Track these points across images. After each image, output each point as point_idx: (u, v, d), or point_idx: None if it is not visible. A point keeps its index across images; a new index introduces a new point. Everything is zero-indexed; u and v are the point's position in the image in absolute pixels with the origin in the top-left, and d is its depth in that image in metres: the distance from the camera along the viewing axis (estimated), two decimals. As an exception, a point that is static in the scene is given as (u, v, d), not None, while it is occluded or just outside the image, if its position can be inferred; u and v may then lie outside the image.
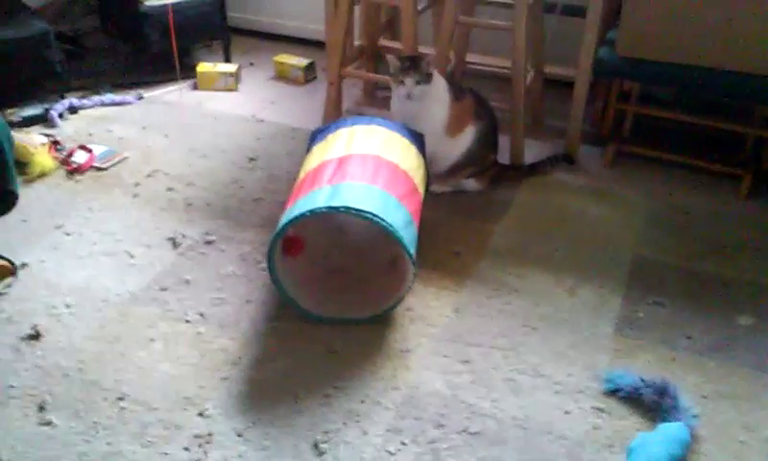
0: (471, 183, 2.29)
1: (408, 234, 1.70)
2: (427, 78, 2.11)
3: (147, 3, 2.90)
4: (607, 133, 2.56)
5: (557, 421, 1.53)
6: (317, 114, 2.78)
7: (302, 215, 1.64)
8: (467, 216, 2.21)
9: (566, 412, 1.56)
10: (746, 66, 2.16)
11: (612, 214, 2.23)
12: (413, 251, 1.69)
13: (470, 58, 2.90)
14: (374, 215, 1.62)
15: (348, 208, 1.63)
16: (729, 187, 2.36)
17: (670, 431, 1.43)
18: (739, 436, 1.50)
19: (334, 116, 2.68)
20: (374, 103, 2.94)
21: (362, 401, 1.57)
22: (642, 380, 1.58)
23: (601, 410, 1.56)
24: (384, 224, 1.63)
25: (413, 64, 2.11)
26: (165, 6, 2.86)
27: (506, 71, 2.47)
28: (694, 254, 2.05)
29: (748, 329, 1.78)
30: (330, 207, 1.63)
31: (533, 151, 2.52)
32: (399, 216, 1.70)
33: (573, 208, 2.26)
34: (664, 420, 1.49)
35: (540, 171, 2.42)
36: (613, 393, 1.59)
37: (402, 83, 2.11)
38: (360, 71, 2.89)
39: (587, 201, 2.30)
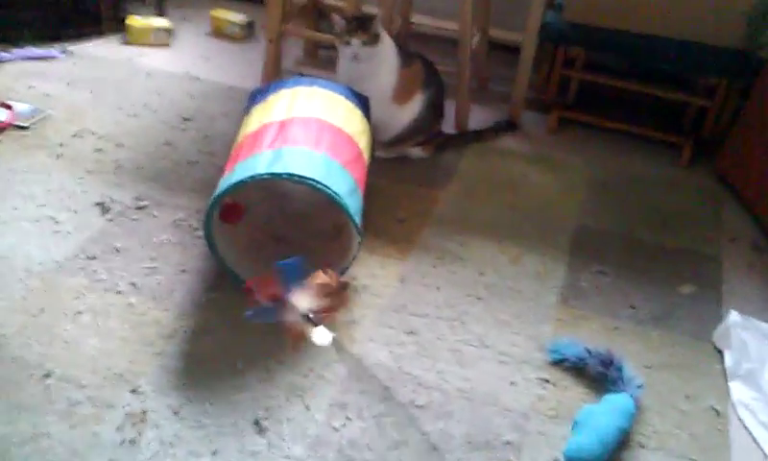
0: (417, 151, 2.24)
1: (353, 202, 1.64)
2: (375, 39, 2.03)
3: (71, -51, 2.70)
4: (551, 100, 2.54)
5: (502, 392, 1.52)
6: (255, 73, 2.67)
7: (242, 182, 1.56)
8: (411, 183, 2.17)
9: (512, 383, 1.54)
10: (689, 35, 2.17)
11: (555, 181, 2.23)
12: (358, 219, 1.63)
13: (415, 19, 2.82)
14: (318, 182, 1.56)
15: (290, 175, 1.55)
16: (670, 156, 2.38)
17: (616, 402, 1.43)
18: (682, 405, 1.52)
19: (273, 76, 2.58)
20: (316, 63, 2.84)
21: (305, 375, 1.52)
22: (588, 351, 1.57)
23: (546, 381, 1.55)
24: (328, 191, 1.56)
25: (360, 24, 2.03)
26: (92, -48, 2.67)
27: (451, 33, 2.42)
28: (636, 222, 2.07)
29: (689, 298, 1.80)
30: (272, 173, 1.55)
31: (477, 116, 2.49)
32: (344, 183, 1.64)
33: (517, 175, 2.24)
34: (609, 391, 1.49)
35: (484, 138, 2.38)
36: (558, 363, 1.59)
37: (348, 43, 2.03)
38: (301, 29, 2.78)
39: (530, 168, 2.29)
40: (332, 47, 2.13)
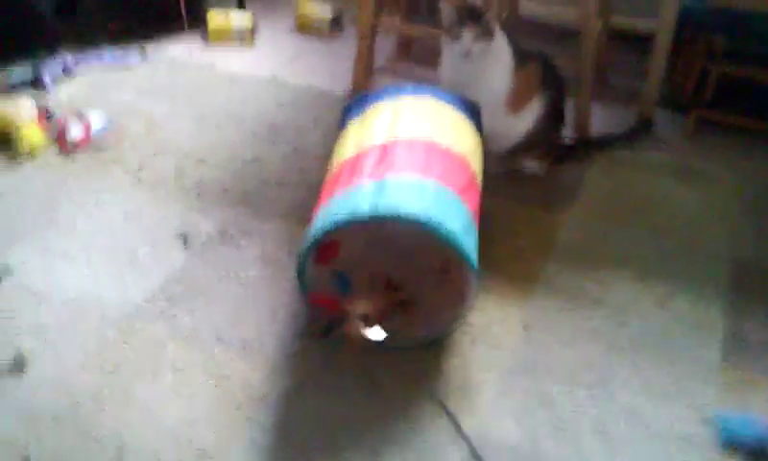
0: (532, 165, 1.93)
1: (469, 240, 1.37)
2: (489, 33, 1.74)
3: (148, -57, 2.52)
4: (688, 97, 2.18)
5: (664, 486, 1.23)
6: (345, 73, 2.41)
7: (341, 222, 1.31)
8: (527, 203, 1.87)
9: (673, 471, 1.25)
10: None
11: (701, 199, 1.88)
12: (474, 260, 1.36)
13: (524, 7, 2.49)
14: (429, 220, 1.29)
15: (395, 215, 1.30)
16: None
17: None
18: None
19: (365, 76, 2.32)
20: (411, 59, 2.56)
21: (418, 459, 1.27)
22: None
23: (718, 469, 1.25)
24: (443, 232, 1.29)
25: (472, 15, 1.73)
26: (169, -54, 2.48)
27: (567, 22, 2.09)
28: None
29: None
30: (375, 215, 1.30)
31: (599, 118, 2.15)
32: (459, 218, 1.37)
33: (654, 192, 1.91)
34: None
35: (611, 145, 2.05)
36: (731, 445, 1.28)
37: (459, 37, 1.73)
38: (397, 22, 2.50)
39: (670, 182, 1.94)
40: (426, 41, 1.83)
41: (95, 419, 1.32)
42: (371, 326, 1.38)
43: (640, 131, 2.09)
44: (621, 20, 2.38)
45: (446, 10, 1.77)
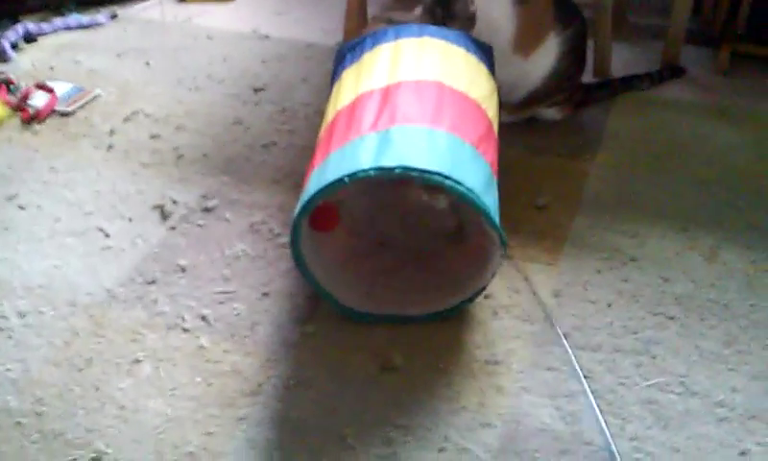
0: (551, 112, 1.73)
1: (490, 198, 1.18)
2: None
3: None
4: (718, 30, 1.97)
5: (733, 469, 1.04)
6: (336, 25, 2.21)
7: (339, 181, 1.11)
8: (548, 153, 1.68)
9: (742, 453, 1.06)
10: None
11: (740, 139, 1.69)
12: (497, 219, 1.16)
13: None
14: (446, 177, 1.09)
15: (405, 169, 1.10)
16: None
17: None
18: None
19: (358, 26, 2.12)
20: (409, 5, 2.34)
21: (441, 449, 1.08)
22: None
23: (795, 448, 1.06)
24: (458, 188, 1.10)
25: None
26: None
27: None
28: None
29: None
30: (380, 168, 1.10)
31: (620, 57, 1.95)
32: (478, 172, 1.17)
33: (690, 133, 1.71)
34: None
35: (636, 86, 1.85)
36: (805, 417, 1.10)
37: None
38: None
39: (703, 121, 1.75)
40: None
41: (64, 423, 1.14)
42: None
43: (671, 73, 1.88)
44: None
45: None
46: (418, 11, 1.62)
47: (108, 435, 1.12)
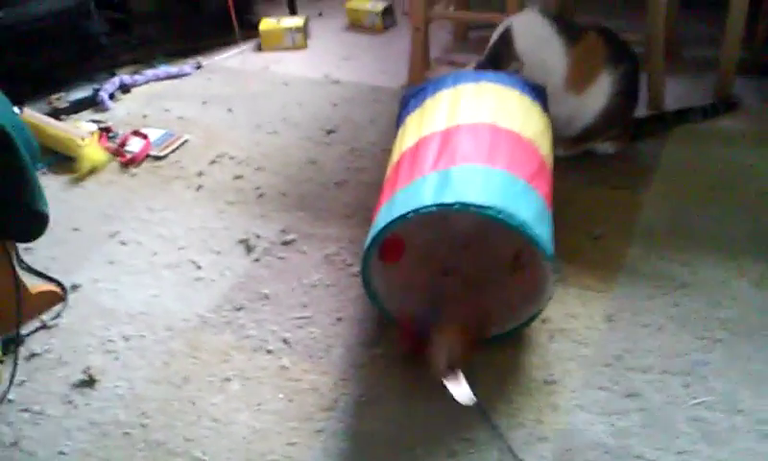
0: (605, 146, 1.82)
1: (543, 229, 1.28)
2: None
3: (197, -46, 2.52)
4: (770, 60, 2.03)
5: (776, 482, 1.11)
6: (401, 68, 2.35)
7: (404, 217, 1.24)
8: (603, 185, 1.76)
9: (787, 467, 1.13)
10: None
11: (791, 168, 1.74)
12: (550, 251, 1.27)
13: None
14: (499, 212, 1.21)
15: (463, 205, 1.22)
16: None
17: None
18: None
19: (422, 69, 2.26)
20: (468, 48, 2.48)
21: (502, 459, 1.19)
22: None
23: (837, 463, 1.12)
24: (512, 223, 1.21)
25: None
26: (218, -44, 2.48)
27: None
28: None
29: None
30: (441, 205, 1.23)
31: (673, 90, 2.02)
32: (531, 206, 1.28)
33: (741, 165, 1.77)
34: None
35: (689, 119, 1.92)
36: None
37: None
38: (448, 10, 2.43)
39: (757, 153, 1.80)
40: (484, 27, 1.76)
41: (166, 433, 1.30)
42: (453, 373, 1.28)
43: (725, 108, 1.95)
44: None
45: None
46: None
47: (205, 444, 1.27)
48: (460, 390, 1.23)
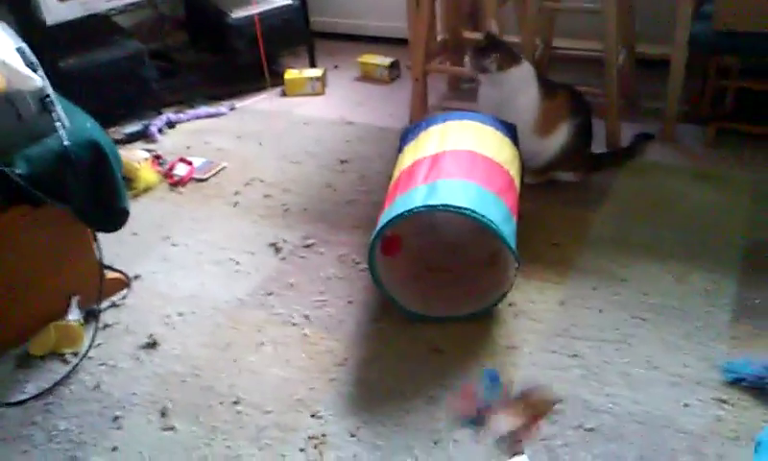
0: (567, 175, 2.23)
1: (508, 229, 1.68)
2: (507, 62, 2.09)
3: (233, 15, 2.98)
4: (706, 112, 2.45)
5: (676, 414, 1.48)
6: (404, 112, 2.79)
7: (401, 215, 1.65)
8: (564, 205, 2.17)
9: (686, 405, 1.50)
10: None
11: (718, 196, 2.13)
12: (514, 245, 1.67)
13: (557, 42, 2.82)
14: (473, 211, 1.61)
15: (446, 206, 1.62)
16: None
17: (802, 423, 1.35)
18: None
19: (421, 113, 2.68)
20: (460, 96, 2.92)
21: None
22: (766, 368, 1.50)
23: (723, 402, 1.49)
24: (484, 220, 1.61)
25: (492, 47, 2.10)
26: (251, 16, 2.93)
27: (596, 54, 2.40)
28: (813, 232, 1.94)
29: None
30: (428, 206, 1.63)
31: (629, 134, 2.44)
32: (498, 211, 1.68)
33: (676, 191, 2.17)
34: (794, 410, 1.41)
35: (634, 154, 2.34)
36: (735, 383, 1.52)
37: (484, 68, 2.10)
38: (444, 65, 2.87)
39: (690, 183, 2.21)
40: (474, 80, 2.20)
41: (214, 381, 1.68)
42: (515, 452, 1.41)
43: (644, 138, 2.40)
44: (648, 48, 2.68)
45: (470, 51, 2.13)
46: (467, 59, 2.16)
47: (245, 388, 1.65)
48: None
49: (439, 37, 2.92)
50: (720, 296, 1.76)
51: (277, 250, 2.10)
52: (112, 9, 2.72)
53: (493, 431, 1.45)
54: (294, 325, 1.82)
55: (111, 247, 2.12)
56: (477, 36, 2.89)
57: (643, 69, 2.69)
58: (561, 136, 2.15)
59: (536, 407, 1.49)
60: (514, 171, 1.90)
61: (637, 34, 2.61)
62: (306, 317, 1.84)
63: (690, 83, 2.53)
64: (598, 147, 2.34)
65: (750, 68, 2.44)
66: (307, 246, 2.10)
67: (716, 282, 1.80)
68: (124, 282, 2.00)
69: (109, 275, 1.97)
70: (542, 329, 1.73)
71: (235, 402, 1.62)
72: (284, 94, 3.07)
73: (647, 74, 2.69)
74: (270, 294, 1.93)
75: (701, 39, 2.26)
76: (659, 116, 2.47)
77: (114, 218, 1.79)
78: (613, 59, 2.30)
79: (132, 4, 2.75)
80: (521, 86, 2.13)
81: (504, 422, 1.45)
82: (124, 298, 1.96)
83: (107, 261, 2.03)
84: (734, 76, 2.42)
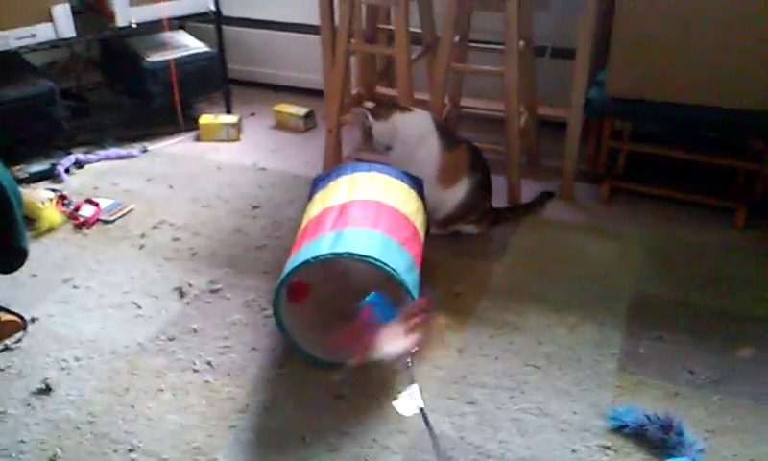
0: (469, 228, 2.33)
1: (410, 277, 1.74)
2: (383, 115, 2.25)
3: (149, 59, 2.97)
4: (601, 171, 2.61)
5: (564, 460, 1.55)
6: (317, 161, 2.83)
7: (307, 262, 1.68)
8: (466, 256, 2.25)
9: (573, 451, 1.57)
10: (734, 102, 2.22)
11: (610, 250, 2.27)
12: (416, 294, 1.72)
13: (465, 102, 2.96)
14: (376, 260, 1.66)
15: (350, 254, 1.67)
16: (724, 220, 2.39)
17: (676, 467, 1.45)
18: (744, 469, 1.52)
19: (334, 162, 2.73)
20: (374, 148, 2.99)
21: (369, 447, 1.59)
22: (647, 416, 1.59)
23: (607, 448, 1.57)
24: (386, 268, 1.66)
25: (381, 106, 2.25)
26: (167, 61, 2.94)
27: (500, 114, 2.53)
28: (693, 287, 2.08)
29: (748, 362, 1.80)
30: (334, 253, 1.67)
31: (530, 191, 2.57)
32: (402, 260, 1.74)
33: (571, 246, 2.30)
34: (670, 456, 1.50)
35: (535, 210, 2.46)
36: (619, 430, 1.61)
37: (366, 131, 2.26)
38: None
39: (584, 238, 2.34)
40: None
41: (109, 428, 1.64)
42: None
43: (545, 196, 2.53)
44: (548, 111, 2.84)
45: (357, 112, 2.24)
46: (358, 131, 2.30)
47: (141, 435, 1.62)
48: (403, 402, 1.52)
49: (354, 91, 3.01)
50: (608, 346, 1.87)
51: (182, 294, 2.08)
52: (23, 47, 2.67)
53: (385, 354, 1.54)
54: (195, 371, 1.80)
55: (8, 288, 2.06)
56: (391, 92, 3.01)
57: (545, 130, 2.85)
58: (462, 188, 2.25)
59: (422, 326, 1.60)
60: (419, 223, 1.97)
61: (540, 97, 2.77)
62: (209, 363, 1.83)
63: (587, 144, 2.70)
64: (500, 202, 2.46)
65: (640, 133, 2.62)
66: (214, 291, 2.10)
67: (604, 333, 1.91)
68: (20, 325, 1.93)
69: (4, 316, 1.91)
70: (441, 376, 1.78)
71: (130, 450, 1.58)
72: (198, 139, 3.07)
73: (549, 135, 2.84)
74: (171, 339, 1.91)
75: (594, 104, 2.42)
76: (558, 174, 2.61)
77: (12, 258, 1.74)
78: (514, 119, 2.43)
79: (45, 43, 2.71)
80: (417, 134, 2.24)
81: (392, 343, 1.55)
82: (19, 341, 1.90)
83: (2, 303, 1.97)
84: (626, 139, 2.59)
